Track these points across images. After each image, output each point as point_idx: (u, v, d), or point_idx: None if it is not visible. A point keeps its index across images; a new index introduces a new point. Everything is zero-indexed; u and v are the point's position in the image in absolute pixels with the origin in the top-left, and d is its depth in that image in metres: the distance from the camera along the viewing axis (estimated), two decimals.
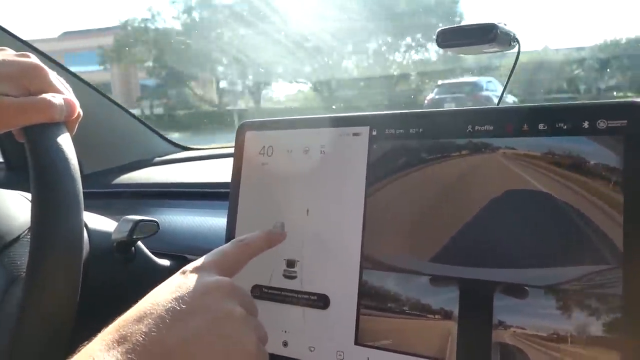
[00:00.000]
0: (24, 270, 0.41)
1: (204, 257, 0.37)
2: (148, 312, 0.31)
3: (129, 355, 0.29)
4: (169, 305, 0.32)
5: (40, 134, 0.40)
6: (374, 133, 0.44)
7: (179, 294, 0.32)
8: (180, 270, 0.36)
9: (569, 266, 0.36)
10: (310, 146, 0.47)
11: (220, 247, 0.39)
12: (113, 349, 0.29)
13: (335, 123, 0.46)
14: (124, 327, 0.31)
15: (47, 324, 0.37)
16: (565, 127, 0.37)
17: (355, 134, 0.45)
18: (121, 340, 0.30)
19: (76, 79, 0.91)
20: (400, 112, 0.44)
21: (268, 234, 0.42)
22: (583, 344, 0.35)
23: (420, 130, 0.43)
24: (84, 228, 0.42)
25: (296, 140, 0.48)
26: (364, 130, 0.45)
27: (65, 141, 0.40)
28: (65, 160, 0.39)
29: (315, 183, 0.46)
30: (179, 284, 0.34)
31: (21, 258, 0.48)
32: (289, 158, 0.48)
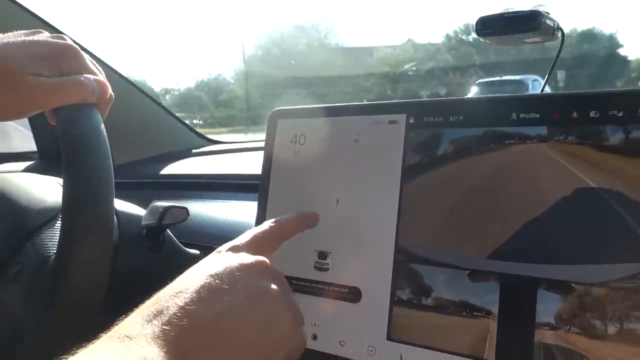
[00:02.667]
0: (54, 251, 0.41)
1: (239, 237, 0.37)
2: (184, 287, 0.31)
3: (165, 327, 0.29)
4: (205, 281, 0.32)
5: (73, 115, 0.40)
6: (411, 121, 0.43)
7: (215, 271, 0.32)
8: (216, 250, 0.36)
9: (618, 263, 0.34)
10: (344, 134, 0.46)
11: (255, 228, 0.39)
12: (150, 321, 0.29)
13: (370, 111, 0.45)
14: (161, 301, 0.31)
15: (77, 299, 0.37)
16: (620, 114, 0.35)
17: (391, 122, 0.44)
18: (158, 313, 0.30)
19: (108, 69, 0.92)
20: (440, 99, 0.42)
21: (301, 215, 0.42)
22: (630, 345, 0.33)
23: (461, 118, 0.41)
24: (114, 213, 0.42)
25: (329, 129, 0.47)
26: (401, 118, 0.43)
27: (97, 122, 0.40)
28: (96, 140, 0.39)
29: (348, 172, 0.45)
30: (215, 262, 0.34)
31: (52, 239, 0.48)
32: (321, 147, 0.47)
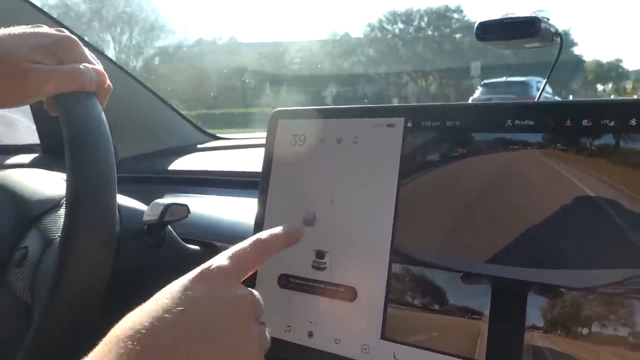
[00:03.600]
0: (59, 234, 0.42)
1: (222, 256, 0.35)
2: (169, 322, 0.30)
3: None
4: (192, 322, 0.31)
5: (73, 103, 0.41)
6: (409, 125, 0.44)
7: (199, 311, 0.31)
8: (200, 271, 0.34)
9: (607, 269, 0.35)
10: (343, 136, 0.46)
11: (239, 246, 0.37)
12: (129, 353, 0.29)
13: (369, 114, 0.46)
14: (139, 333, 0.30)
15: (81, 281, 0.38)
16: (611, 124, 0.36)
17: (389, 125, 0.44)
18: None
19: (112, 64, 0.93)
20: (437, 104, 0.43)
21: (287, 234, 0.40)
22: (620, 348, 0.33)
23: (457, 123, 0.42)
24: (117, 207, 0.43)
25: (329, 130, 0.47)
26: (399, 121, 0.44)
27: (97, 110, 0.41)
28: (97, 126, 0.40)
29: (346, 174, 0.46)
30: (198, 296, 0.32)
31: (56, 224, 0.50)
32: (320, 147, 0.48)
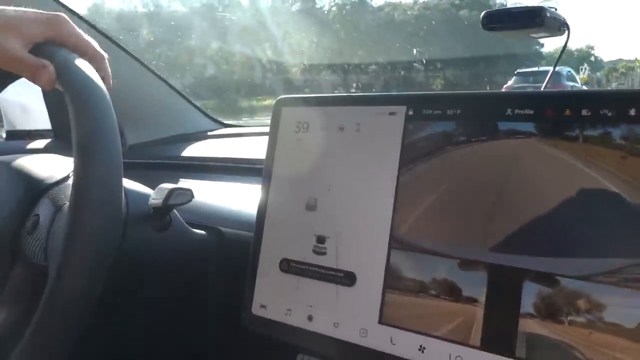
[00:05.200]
0: (68, 200, 0.44)
1: None
2: None
3: None
4: None
5: (69, 67, 0.43)
6: (411, 113, 0.44)
7: None
8: None
9: (602, 258, 0.35)
10: (346, 124, 0.47)
11: None
12: None
13: (371, 101, 0.46)
14: None
15: (92, 239, 0.39)
16: (610, 114, 0.36)
17: (391, 113, 0.45)
18: None
19: (123, 52, 0.94)
20: (439, 93, 0.43)
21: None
22: (611, 335, 0.34)
23: (458, 112, 0.42)
24: (123, 191, 0.44)
25: (332, 118, 0.48)
26: (401, 109, 0.44)
27: (93, 73, 0.44)
28: (96, 91, 0.42)
29: (348, 161, 0.46)
30: None
31: (65, 192, 0.52)
32: (323, 135, 0.48)
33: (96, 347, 0.57)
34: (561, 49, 0.59)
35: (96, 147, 0.41)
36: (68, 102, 0.43)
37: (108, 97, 0.44)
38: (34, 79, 0.45)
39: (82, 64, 0.45)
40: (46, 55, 0.46)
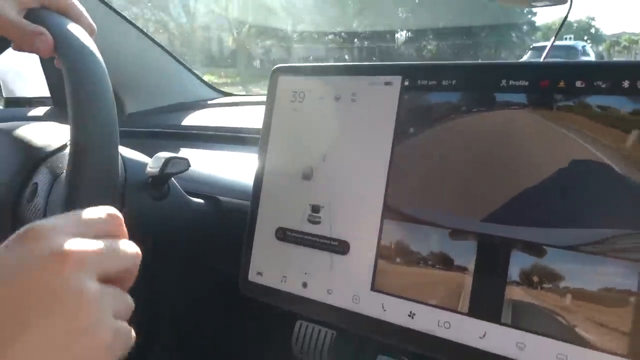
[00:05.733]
0: (65, 169, 0.45)
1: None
2: None
3: None
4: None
5: (65, 34, 0.43)
6: (406, 83, 0.44)
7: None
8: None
9: (591, 228, 0.35)
10: (342, 93, 0.47)
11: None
12: None
13: (367, 71, 0.46)
14: None
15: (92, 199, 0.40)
16: (604, 85, 0.36)
17: (387, 83, 0.45)
18: None
19: (122, 19, 0.93)
20: (434, 63, 0.43)
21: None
22: (597, 305, 0.35)
23: (454, 82, 0.42)
24: (120, 158, 0.44)
25: (328, 87, 0.48)
26: (396, 79, 0.44)
27: (88, 41, 0.44)
28: (92, 59, 0.43)
29: (344, 130, 0.46)
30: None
31: (62, 161, 0.53)
32: (319, 105, 0.48)
33: None
34: (561, 20, 0.58)
35: (91, 116, 0.41)
36: (63, 70, 0.43)
37: (104, 65, 0.44)
38: (31, 47, 0.45)
39: (77, 30, 0.45)
40: (40, 21, 0.45)
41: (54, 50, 0.45)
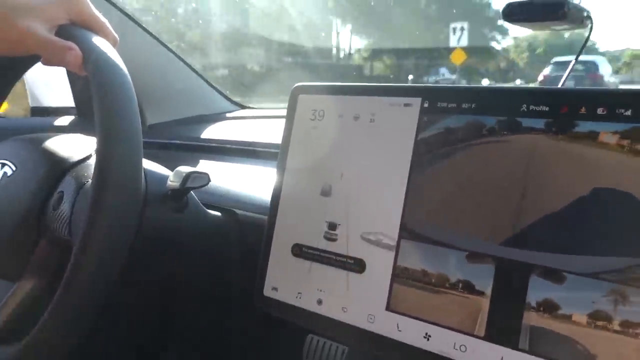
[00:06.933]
0: (90, 178, 0.46)
1: None
2: None
3: None
4: None
5: (93, 49, 0.45)
6: (426, 105, 0.44)
7: None
8: None
9: (611, 256, 0.35)
10: (361, 113, 0.47)
11: None
12: None
13: (387, 92, 0.46)
14: None
15: (113, 219, 0.41)
16: (626, 113, 0.36)
17: (406, 105, 0.45)
18: None
19: (143, 31, 0.95)
20: (454, 86, 0.44)
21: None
22: (616, 335, 0.34)
23: (473, 105, 0.42)
24: (143, 171, 0.46)
25: (347, 107, 0.48)
26: (416, 101, 0.45)
27: (115, 55, 0.45)
28: (119, 73, 0.44)
29: (362, 150, 0.47)
30: None
31: (88, 170, 0.55)
32: (338, 123, 0.49)
33: (115, 322, 0.59)
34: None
35: (118, 129, 0.42)
36: (92, 83, 0.44)
37: (129, 79, 0.45)
38: (61, 61, 0.47)
39: (104, 45, 0.47)
40: (70, 37, 0.47)
41: (82, 64, 0.47)
